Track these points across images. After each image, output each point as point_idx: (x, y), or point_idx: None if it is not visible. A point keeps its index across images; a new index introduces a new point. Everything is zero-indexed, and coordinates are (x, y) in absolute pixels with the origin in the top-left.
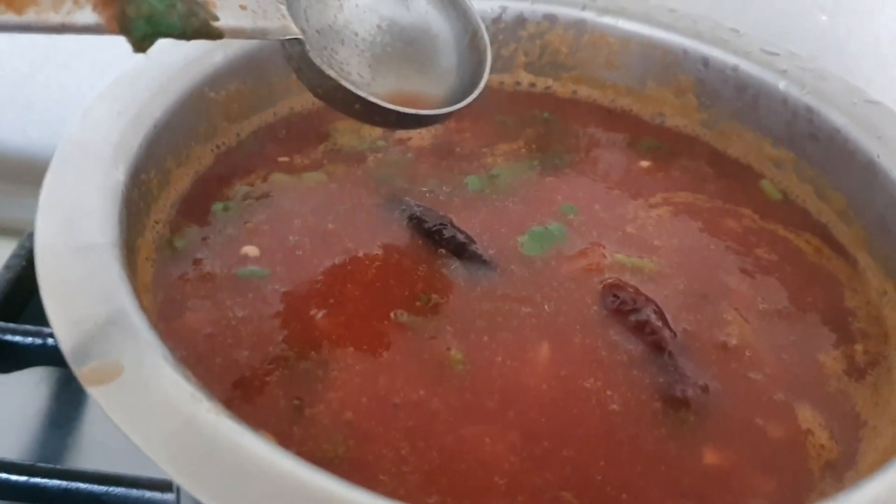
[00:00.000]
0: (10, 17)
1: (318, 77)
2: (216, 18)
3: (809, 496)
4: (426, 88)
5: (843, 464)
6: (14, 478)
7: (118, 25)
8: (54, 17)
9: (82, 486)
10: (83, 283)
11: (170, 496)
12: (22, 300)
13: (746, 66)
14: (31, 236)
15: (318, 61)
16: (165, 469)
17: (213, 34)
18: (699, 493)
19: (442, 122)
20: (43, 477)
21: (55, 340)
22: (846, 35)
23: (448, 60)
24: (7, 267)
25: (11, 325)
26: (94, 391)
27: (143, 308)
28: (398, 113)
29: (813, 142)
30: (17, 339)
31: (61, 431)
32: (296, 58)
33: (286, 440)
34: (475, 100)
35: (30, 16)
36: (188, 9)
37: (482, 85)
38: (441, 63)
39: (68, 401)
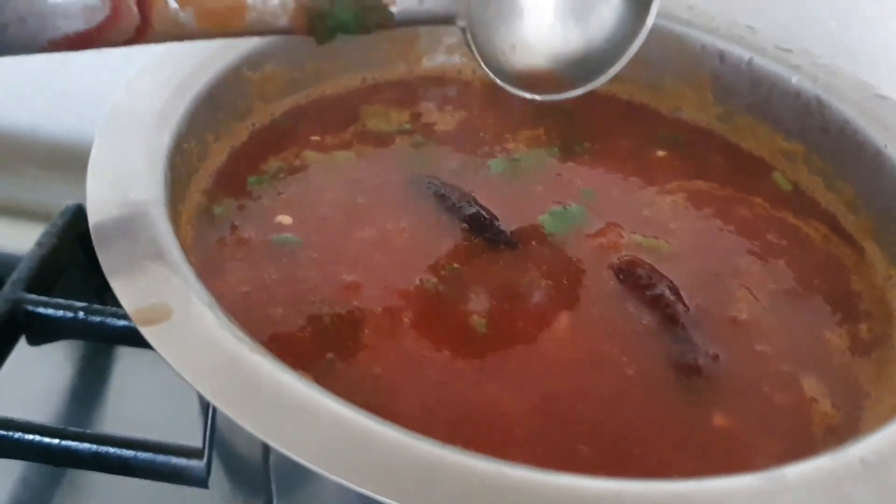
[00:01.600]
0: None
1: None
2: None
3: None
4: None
5: (845, 429)
6: (47, 440)
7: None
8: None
9: (112, 449)
10: (133, 234)
11: (196, 462)
12: (53, 276)
13: (761, 62)
14: (62, 214)
15: (475, 51)
16: (212, 400)
17: (388, 21)
18: (707, 450)
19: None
20: (74, 440)
21: (85, 314)
22: (857, 42)
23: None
24: (39, 244)
25: (43, 297)
26: (145, 330)
27: (189, 261)
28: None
29: (824, 134)
30: (49, 311)
31: (87, 404)
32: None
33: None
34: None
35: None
36: (364, 9)
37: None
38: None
39: (94, 375)
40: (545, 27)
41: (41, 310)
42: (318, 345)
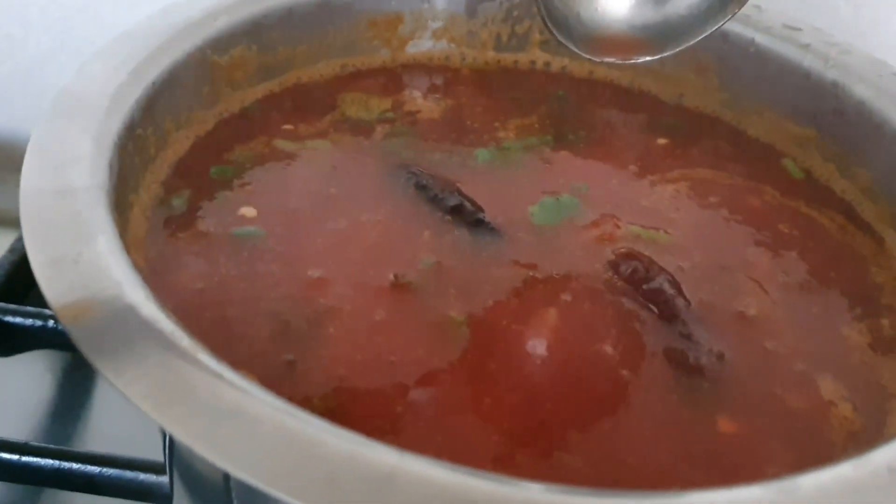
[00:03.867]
0: None
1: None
2: None
3: None
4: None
5: (868, 435)
6: (6, 456)
7: None
8: None
9: (76, 466)
10: (65, 224)
11: (164, 479)
12: (25, 284)
13: (768, 42)
14: None
15: (551, 25)
16: (138, 403)
17: None
18: (713, 459)
19: None
20: (36, 456)
21: (55, 322)
22: (871, 26)
23: None
24: (12, 250)
25: (12, 306)
26: (70, 327)
27: (129, 252)
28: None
29: (837, 117)
30: (18, 320)
31: (66, 418)
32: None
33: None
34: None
35: None
36: None
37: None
38: None
39: (75, 387)
40: None
41: (9, 318)
42: (276, 346)
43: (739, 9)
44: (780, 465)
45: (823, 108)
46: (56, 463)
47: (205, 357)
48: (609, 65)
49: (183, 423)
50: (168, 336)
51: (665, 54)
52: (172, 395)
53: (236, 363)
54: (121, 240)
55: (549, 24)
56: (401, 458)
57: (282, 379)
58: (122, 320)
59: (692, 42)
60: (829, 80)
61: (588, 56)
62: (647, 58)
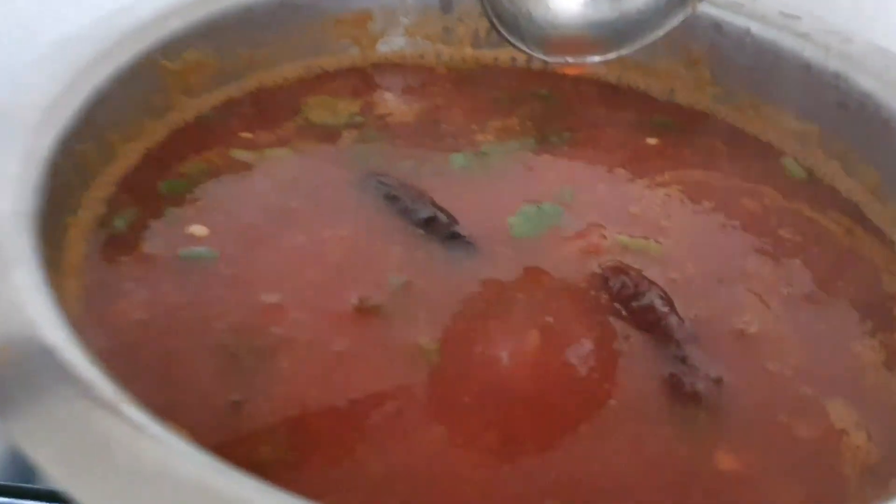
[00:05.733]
0: None
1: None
2: None
3: None
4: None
5: (887, 469)
6: None
7: None
8: None
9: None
10: None
11: None
12: None
13: (764, 31)
14: None
15: (499, 25)
16: (47, 471)
17: None
18: (711, 500)
19: None
20: None
21: None
22: (873, 13)
23: None
24: None
25: None
26: None
27: (58, 285)
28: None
29: (841, 111)
30: None
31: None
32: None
33: (217, 442)
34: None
35: None
36: None
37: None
38: None
39: None
40: None
41: None
42: (221, 384)
43: (696, 9)
44: None
45: (825, 101)
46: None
47: (128, 409)
48: (563, 64)
49: (94, 490)
50: (87, 384)
51: (621, 52)
52: (85, 458)
53: (175, 407)
54: (48, 270)
55: (497, 25)
56: None
57: (226, 424)
58: (36, 365)
59: (649, 40)
60: (830, 72)
61: (541, 56)
62: (602, 57)
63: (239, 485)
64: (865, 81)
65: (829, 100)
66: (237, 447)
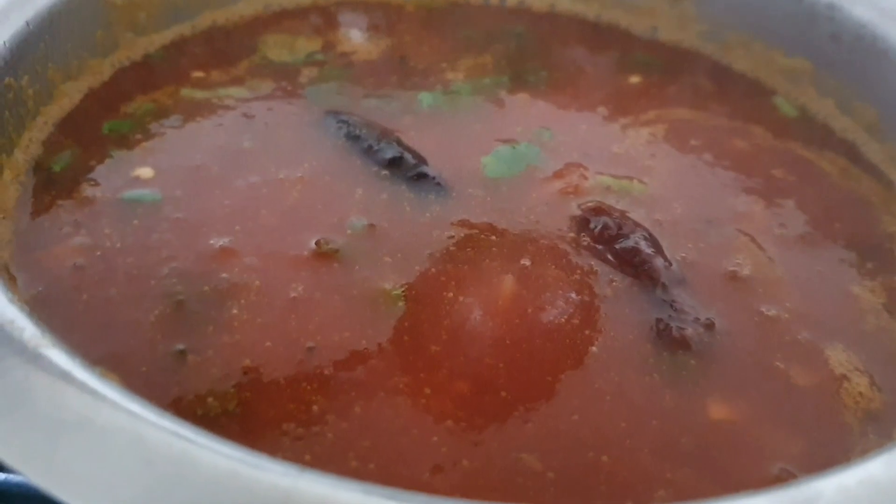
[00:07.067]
0: None
1: None
2: None
3: (849, 456)
4: None
5: (891, 415)
6: None
7: None
8: None
9: None
10: None
11: None
12: None
13: None
14: None
15: None
16: None
17: None
18: (704, 455)
19: None
20: None
21: None
22: None
23: None
24: None
25: None
26: None
27: None
28: None
29: (835, 44)
30: None
31: None
32: None
33: (159, 394)
34: None
35: None
36: None
37: None
38: None
39: None
40: None
41: None
42: (164, 334)
43: None
44: (787, 459)
45: (818, 34)
46: None
47: (51, 353)
48: None
49: (10, 441)
50: (5, 327)
51: None
52: (3, 405)
53: (114, 358)
54: None
55: None
56: (298, 478)
57: (169, 374)
58: None
59: None
60: (823, 2)
61: None
62: None
63: (173, 434)
64: (860, 12)
65: (822, 33)
66: (181, 399)
